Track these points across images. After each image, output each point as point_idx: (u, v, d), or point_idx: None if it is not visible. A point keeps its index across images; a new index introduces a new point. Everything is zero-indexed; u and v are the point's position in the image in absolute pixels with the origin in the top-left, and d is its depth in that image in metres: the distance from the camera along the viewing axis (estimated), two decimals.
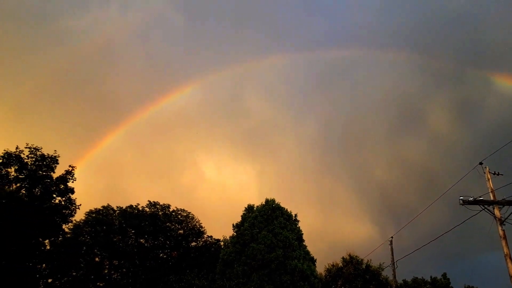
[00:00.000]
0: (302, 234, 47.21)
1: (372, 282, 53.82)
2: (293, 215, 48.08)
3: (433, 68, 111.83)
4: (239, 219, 49.79)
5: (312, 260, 46.65)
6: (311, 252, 47.06)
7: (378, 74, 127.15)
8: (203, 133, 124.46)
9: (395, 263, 38.08)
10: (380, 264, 53.92)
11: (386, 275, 53.85)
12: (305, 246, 46.31)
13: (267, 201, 48.18)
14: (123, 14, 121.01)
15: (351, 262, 54.95)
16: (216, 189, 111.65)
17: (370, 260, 55.09)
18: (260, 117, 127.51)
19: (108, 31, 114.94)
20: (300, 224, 48.08)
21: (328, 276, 55.84)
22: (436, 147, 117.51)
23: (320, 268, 54.11)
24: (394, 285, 40.08)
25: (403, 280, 60.79)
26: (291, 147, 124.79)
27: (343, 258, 55.96)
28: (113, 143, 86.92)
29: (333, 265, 56.50)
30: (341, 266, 55.53)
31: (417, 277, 63.33)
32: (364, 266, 54.78)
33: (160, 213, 63.88)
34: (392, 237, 38.24)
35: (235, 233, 48.26)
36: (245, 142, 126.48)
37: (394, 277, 39.48)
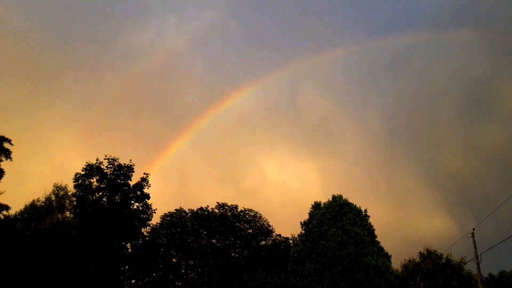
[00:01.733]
0: (374, 229, 45.95)
1: (454, 278, 50.75)
2: (363, 211, 46.92)
3: (505, 46, 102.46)
4: (305, 217, 49.68)
5: (387, 256, 45.21)
6: (384, 248, 45.64)
7: (444, 58, 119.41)
8: (264, 133, 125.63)
9: (479, 256, 35.40)
10: (461, 258, 50.74)
11: (469, 269, 50.52)
12: (378, 242, 45.02)
13: (334, 197, 47.54)
14: (181, 27, 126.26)
15: (429, 257, 52.27)
16: (280, 189, 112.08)
17: (450, 254, 52.04)
18: (320, 113, 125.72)
19: (168, 45, 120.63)
20: (370, 220, 46.86)
21: (405, 272, 53.64)
22: None
23: (396, 264, 52.11)
24: (479, 280, 37.34)
25: (488, 274, 56.61)
26: (354, 142, 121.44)
27: (420, 253, 53.45)
28: (181, 149, 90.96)
29: (409, 261, 54.16)
30: (418, 262, 53.04)
31: (504, 271, 58.57)
32: (444, 261, 51.85)
33: (228, 213, 65.60)
34: (474, 229, 35.70)
35: (303, 231, 48.24)
36: (306, 140, 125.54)
37: (479, 271, 36.74)
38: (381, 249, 45.19)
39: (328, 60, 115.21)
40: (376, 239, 45.65)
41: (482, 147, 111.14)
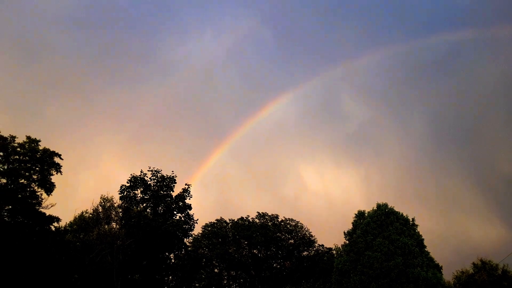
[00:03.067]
0: (423, 239, 43.68)
1: None
2: (410, 220, 44.85)
3: None
4: (348, 226, 48.10)
5: (437, 267, 42.83)
6: (435, 259, 43.33)
7: (491, 56, 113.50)
8: (302, 141, 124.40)
9: None
10: None
11: None
12: (428, 253, 42.74)
13: (379, 206, 45.83)
14: (217, 38, 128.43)
15: (484, 268, 49.14)
16: (321, 197, 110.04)
17: (507, 265, 48.65)
18: (359, 119, 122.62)
19: (206, 56, 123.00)
20: (419, 229, 44.65)
21: (457, 285, 50.69)
22: None
23: (447, 276, 49.32)
24: None
25: None
26: (397, 147, 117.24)
27: (473, 264, 50.35)
28: (220, 159, 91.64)
29: (462, 272, 51.14)
30: (472, 273, 49.99)
31: None
32: (500, 272, 48.56)
33: (269, 223, 65.09)
34: None
35: (347, 241, 46.74)
36: (346, 146, 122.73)
37: None
38: (431, 260, 42.89)
39: (367, 64, 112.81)
40: (426, 249, 43.37)
41: None
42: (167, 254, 49.18)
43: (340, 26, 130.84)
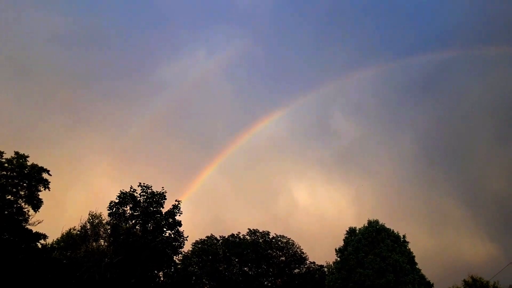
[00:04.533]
0: (414, 256, 43.71)
1: None
2: (401, 237, 44.91)
3: None
4: (339, 243, 48.03)
5: (429, 285, 42.81)
6: (426, 276, 43.27)
7: (476, 75, 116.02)
8: (294, 158, 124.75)
9: None
10: (510, 286, 47.35)
11: None
12: (419, 270, 42.73)
13: (370, 222, 45.92)
14: (210, 57, 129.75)
15: (475, 285, 49.02)
16: (312, 214, 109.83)
17: (497, 281, 48.66)
18: (350, 136, 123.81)
19: (198, 74, 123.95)
20: (410, 246, 44.70)
21: None
22: None
23: None
24: None
25: None
26: (388, 165, 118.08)
27: (464, 280, 50.22)
28: (211, 175, 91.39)
29: None
30: None
31: None
32: None
33: (260, 240, 64.50)
34: None
35: (338, 258, 46.55)
36: (337, 163, 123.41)
37: None
38: (423, 277, 42.84)
39: (358, 82, 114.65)
40: (417, 266, 43.38)
41: None
42: (156, 272, 48.25)
43: (331, 45, 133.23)
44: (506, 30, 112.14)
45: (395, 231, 44.91)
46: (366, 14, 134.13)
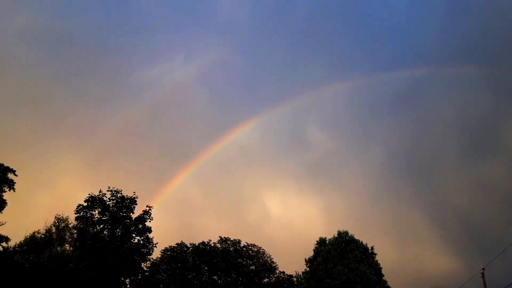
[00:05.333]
0: (381, 268, 44.64)
1: None
2: (370, 248, 45.81)
3: (509, 84, 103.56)
4: (309, 253, 48.54)
5: None
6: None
7: (447, 93, 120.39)
8: (267, 168, 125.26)
9: None
10: None
11: None
12: (385, 282, 43.64)
13: (339, 233, 46.65)
14: (188, 63, 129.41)
15: None
16: (283, 224, 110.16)
17: None
18: (323, 148, 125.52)
19: (175, 80, 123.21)
20: (377, 258, 45.63)
21: None
22: None
23: None
24: None
25: None
26: (358, 177, 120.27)
27: None
28: (184, 182, 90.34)
29: None
30: None
31: None
32: None
33: (231, 248, 64.07)
34: (483, 269, 34.64)
35: (308, 268, 46.99)
36: (309, 175, 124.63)
37: None
38: None
39: (332, 95, 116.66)
40: (383, 278, 44.32)
41: (487, 184, 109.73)
42: (122, 279, 47.13)
43: (307, 58, 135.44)
44: (475, 50, 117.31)
45: (364, 243, 45.81)
46: (343, 29, 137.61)
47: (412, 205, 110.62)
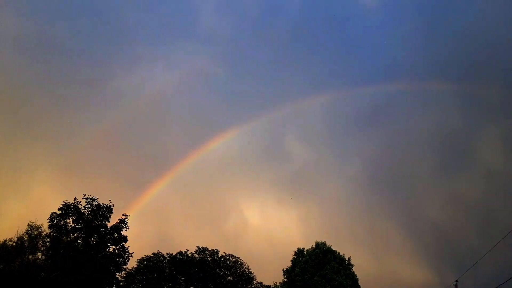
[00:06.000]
0: (358, 279, 45.03)
1: None
2: (347, 259, 46.21)
3: (481, 99, 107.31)
4: (287, 263, 48.61)
5: None
6: None
7: (423, 108, 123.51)
8: (246, 178, 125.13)
9: None
10: None
11: None
12: None
13: (317, 244, 46.92)
14: (167, 72, 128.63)
15: None
16: (262, 234, 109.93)
17: None
18: (302, 159, 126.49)
19: (155, 89, 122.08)
20: (354, 269, 46.05)
21: None
22: (491, 182, 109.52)
23: None
24: None
25: None
26: (336, 189, 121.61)
27: None
28: (162, 191, 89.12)
29: None
30: None
31: None
32: None
33: (209, 259, 63.51)
34: (457, 281, 35.44)
35: (285, 279, 46.97)
36: (288, 186, 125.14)
37: None
38: None
39: (311, 107, 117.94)
40: None
41: (460, 198, 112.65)
42: None
43: (287, 71, 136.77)
44: (448, 67, 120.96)
45: (341, 254, 46.20)
46: (323, 44, 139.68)
47: (388, 216, 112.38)
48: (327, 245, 46.44)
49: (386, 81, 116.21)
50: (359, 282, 45.33)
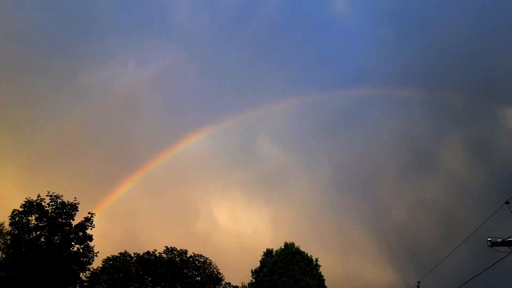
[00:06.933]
0: (324, 280, 45.74)
1: None
2: (314, 260, 46.84)
3: (446, 107, 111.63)
4: (256, 264, 48.79)
5: None
6: None
7: (390, 115, 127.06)
8: (217, 178, 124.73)
9: None
10: None
11: None
12: None
13: (286, 245, 47.32)
14: (141, 69, 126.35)
15: None
16: (231, 235, 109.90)
17: None
18: (273, 161, 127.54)
19: (127, 85, 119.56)
20: (321, 269, 46.75)
21: None
22: (453, 187, 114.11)
23: None
24: None
25: None
26: (306, 191, 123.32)
27: None
28: (130, 190, 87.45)
29: None
30: None
31: None
32: None
33: (177, 259, 62.86)
34: (419, 282, 36.50)
35: (253, 280, 47.11)
36: (258, 187, 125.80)
37: None
38: None
39: (283, 109, 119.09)
40: None
41: (423, 201, 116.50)
42: None
43: (262, 72, 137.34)
44: (417, 75, 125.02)
45: (309, 254, 46.79)
46: (297, 48, 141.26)
47: (355, 219, 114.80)
48: (295, 246, 46.93)
49: (356, 86, 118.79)
50: (326, 283, 46.07)
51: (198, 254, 64.69)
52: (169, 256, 62.73)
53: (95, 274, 56.18)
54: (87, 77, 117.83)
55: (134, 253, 62.06)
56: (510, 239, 20.68)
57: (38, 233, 43.07)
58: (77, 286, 47.01)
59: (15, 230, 42.22)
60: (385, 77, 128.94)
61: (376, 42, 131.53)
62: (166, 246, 63.62)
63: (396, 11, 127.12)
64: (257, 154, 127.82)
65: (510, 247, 20.58)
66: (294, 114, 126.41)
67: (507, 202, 21.57)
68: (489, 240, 20.59)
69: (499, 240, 20.54)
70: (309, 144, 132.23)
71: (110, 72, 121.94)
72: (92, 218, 46.21)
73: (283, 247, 47.55)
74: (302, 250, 47.10)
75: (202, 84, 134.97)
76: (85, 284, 50.80)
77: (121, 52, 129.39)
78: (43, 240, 43.33)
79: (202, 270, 64.02)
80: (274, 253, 47.66)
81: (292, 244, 47.02)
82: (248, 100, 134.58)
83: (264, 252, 49.02)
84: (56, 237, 43.79)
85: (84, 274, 48.88)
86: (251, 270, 48.64)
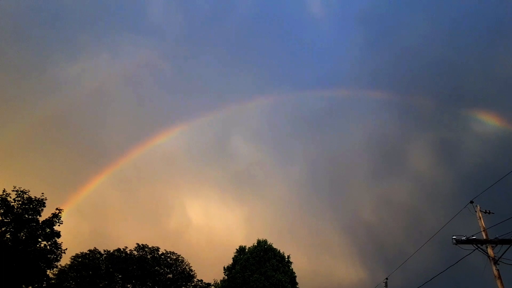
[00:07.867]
0: (296, 276, 46.28)
1: None
2: (286, 257, 47.30)
3: (415, 110, 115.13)
4: (229, 261, 48.84)
5: None
6: None
7: (361, 116, 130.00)
8: (190, 176, 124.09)
9: None
10: None
11: None
12: None
13: (259, 242, 47.56)
14: (113, 63, 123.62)
15: None
16: (204, 232, 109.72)
17: None
18: (247, 159, 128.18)
19: (98, 79, 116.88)
20: (293, 266, 47.25)
21: None
22: (420, 187, 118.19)
23: None
24: None
25: None
26: (279, 189, 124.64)
27: None
28: (101, 186, 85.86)
29: None
30: None
31: None
32: None
33: (148, 256, 62.05)
34: (387, 278, 37.52)
35: (226, 277, 47.14)
36: (232, 185, 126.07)
37: None
38: None
39: (258, 108, 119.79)
40: (297, 286, 45.92)
41: (391, 201, 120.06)
42: (24, 286, 43.18)
43: (236, 71, 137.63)
44: (389, 78, 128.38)
45: (281, 251, 47.18)
46: (273, 47, 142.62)
47: (327, 217, 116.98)
48: (268, 243, 47.23)
49: (329, 87, 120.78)
50: (297, 279, 46.64)
51: (170, 252, 64.10)
52: (140, 253, 61.86)
53: (63, 271, 54.74)
54: (55, 70, 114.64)
55: (104, 250, 60.86)
56: (474, 237, 21.54)
57: (3, 229, 41.54)
58: (44, 284, 45.65)
59: None
60: (357, 79, 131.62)
61: (349, 45, 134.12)
62: (137, 243, 62.78)
63: (370, 16, 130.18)
64: (230, 152, 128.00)
65: (474, 244, 21.44)
66: (267, 113, 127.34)
67: (471, 202, 22.45)
68: (454, 238, 21.38)
69: (464, 238, 21.36)
70: (282, 143, 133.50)
71: (80, 66, 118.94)
72: (60, 214, 44.94)
73: (255, 244, 47.74)
74: (274, 247, 47.47)
75: (174, 81, 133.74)
76: (52, 281, 49.35)
77: (94, 46, 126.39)
78: (8, 236, 41.82)
79: (174, 267, 63.46)
80: (247, 250, 47.79)
81: (265, 241, 47.28)
82: (222, 98, 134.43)
83: (237, 249, 49.11)
84: (22, 233, 42.36)
85: (52, 271, 47.51)
86: (224, 267, 48.65)
